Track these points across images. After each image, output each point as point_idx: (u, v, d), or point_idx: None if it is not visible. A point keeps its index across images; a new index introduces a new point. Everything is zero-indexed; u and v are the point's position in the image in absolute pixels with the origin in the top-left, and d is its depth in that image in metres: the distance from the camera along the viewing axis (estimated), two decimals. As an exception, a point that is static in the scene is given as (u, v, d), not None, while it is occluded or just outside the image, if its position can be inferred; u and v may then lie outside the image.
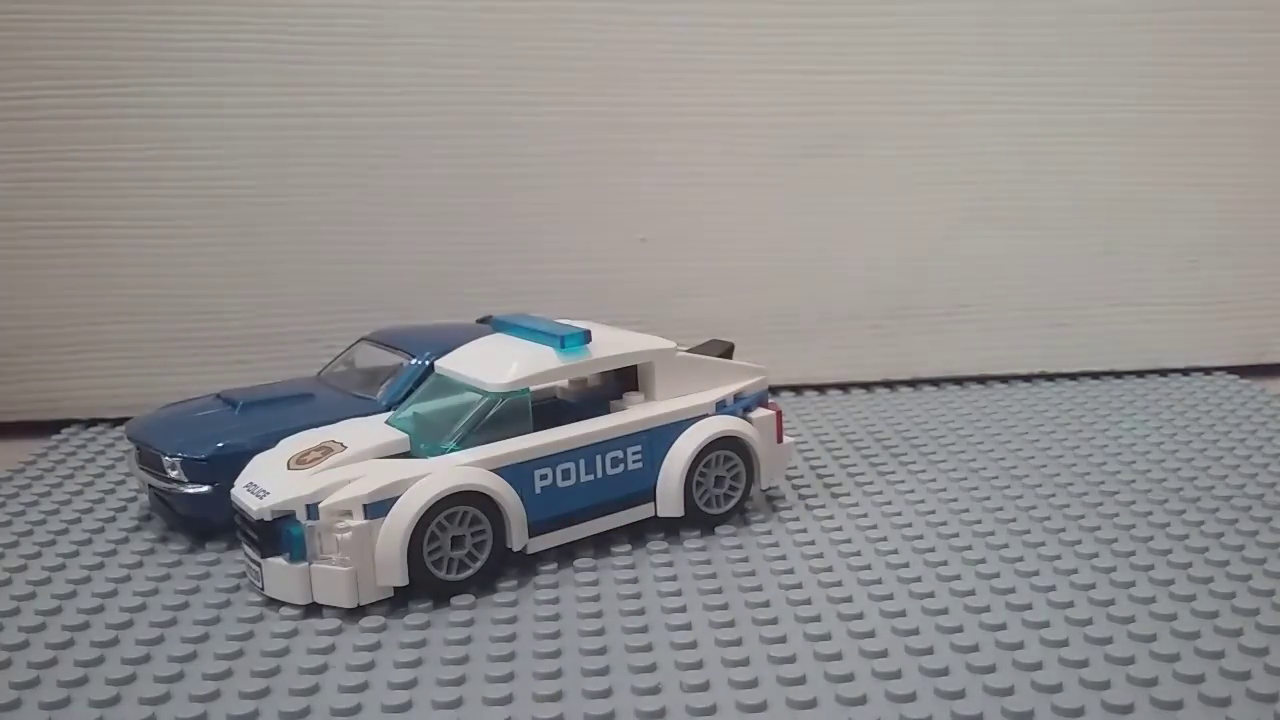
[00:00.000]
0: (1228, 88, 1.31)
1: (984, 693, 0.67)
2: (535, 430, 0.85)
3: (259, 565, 0.80)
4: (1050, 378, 1.37)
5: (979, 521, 0.92)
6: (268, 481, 0.81)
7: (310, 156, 1.24)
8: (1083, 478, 1.01)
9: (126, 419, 1.07)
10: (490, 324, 0.97)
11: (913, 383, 1.36)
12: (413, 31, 1.22)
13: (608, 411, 0.90)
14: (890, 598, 0.78)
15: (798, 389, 1.35)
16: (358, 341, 1.08)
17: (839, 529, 0.91)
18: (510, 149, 1.26)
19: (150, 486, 0.94)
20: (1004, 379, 1.37)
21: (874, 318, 1.34)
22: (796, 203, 1.30)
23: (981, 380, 1.36)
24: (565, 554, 0.87)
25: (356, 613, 0.79)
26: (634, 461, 0.88)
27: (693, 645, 0.73)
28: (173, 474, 0.91)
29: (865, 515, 0.94)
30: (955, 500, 0.97)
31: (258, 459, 0.86)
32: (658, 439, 0.89)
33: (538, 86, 1.25)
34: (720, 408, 0.92)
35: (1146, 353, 1.37)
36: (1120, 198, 1.33)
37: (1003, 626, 0.74)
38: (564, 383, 0.96)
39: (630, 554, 0.87)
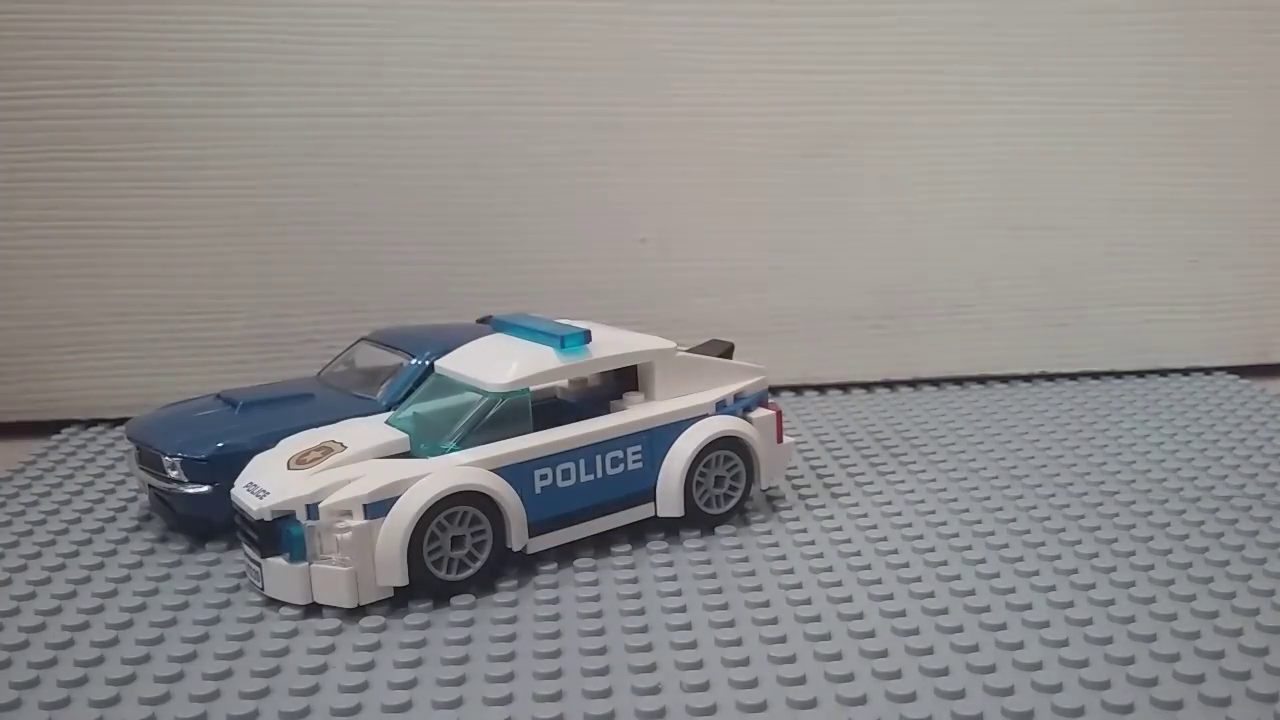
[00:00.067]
0: (1228, 88, 1.31)
1: (984, 693, 0.67)
2: (535, 430, 0.85)
3: (259, 565, 0.80)
4: (1050, 378, 1.37)
5: (979, 521, 0.92)
6: (268, 481, 0.81)
7: (310, 156, 1.24)
8: (1083, 478, 1.01)
9: (126, 419, 1.07)
10: (490, 324, 0.97)
11: (913, 383, 1.36)
12: (413, 31, 1.22)
13: (608, 411, 0.90)
14: (890, 598, 0.78)
15: (798, 389, 1.35)
16: (358, 341, 1.08)
17: (839, 529, 0.91)
18: (510, 149, 1.26)
19: (150, 486, 0.94)
20: (1004, 379, 1.37)
21: (874, 318, 1.34)
22: (796, 203, 1.30)
23: (981, 380, 1.36)
24: (565, 554, 0.87)
25: (356, 613, 0.79)
26: (634, 461, 0.88)
27: (693, 645, 0.73)
28: (173, 474, 0.91)
29: (865, 515, 0.94)
30: (955, 500, 0.97)
31: (258, 459, 0.86)
32: (658, 439, 0.89)
33: (538, 86, 1.25)
34: (720, 408, 0.92)
35: (1146, 353, 1.37)
36: (1120, 198, 1.33)
37: (1003, 626, 0.74)
38: (564, 383, 0.96)
39: (630, 554, 0.87)
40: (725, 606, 0.78)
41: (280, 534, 0.79)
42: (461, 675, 0.70)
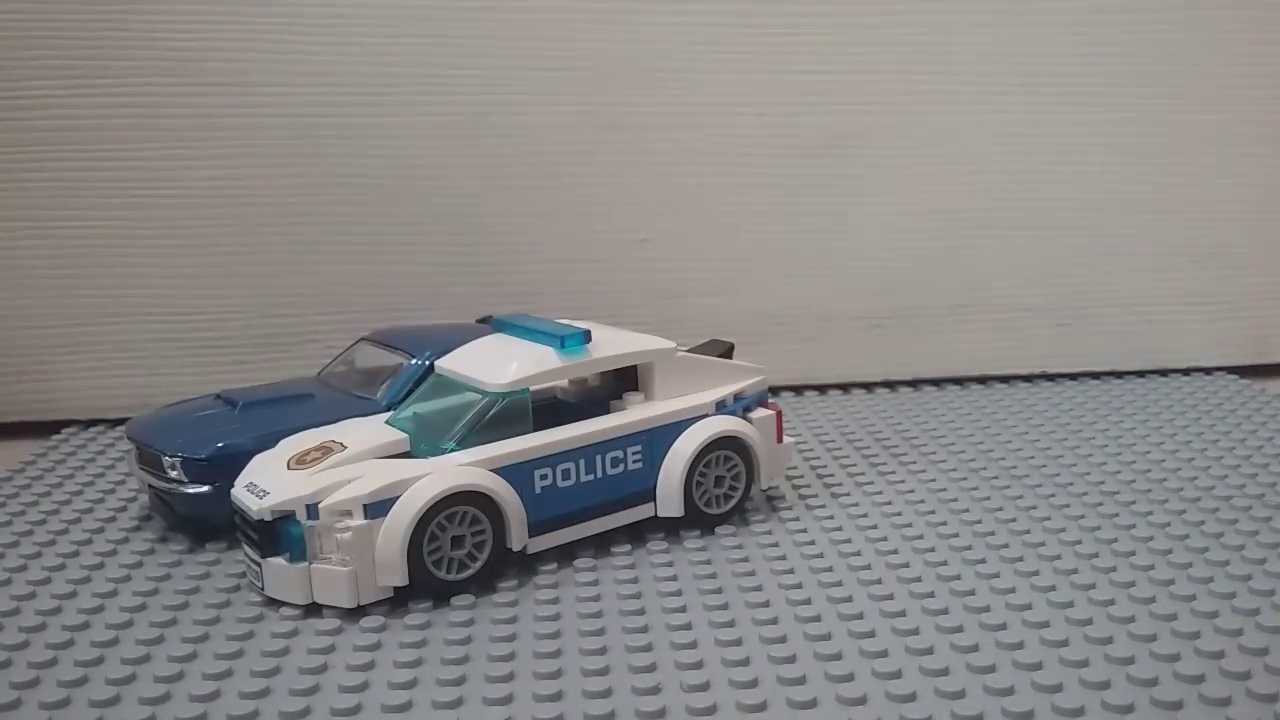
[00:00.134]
0: (1228, 88, 1.31)
1: (984, 693, 0.67)
2: (535, 430, 0.85)
3: (259, 565, 0.80)
4: (1051, 378, 1.37)
5: (979, 521, 0.92)
6: (268, 481, 0.81)
7: (310, 156, 1.24)
8: (1083, 478, 1.01)
9: (126, 419, 1.07)
10: (490, 324, 0.97)
11: (913, 383, 1.36)
12: (413, 31, 1.22)
13: (608, 411, 0.90)
14: (890, 598, 0.78)
15: (798, 389, 1.35)
16: (358, 341, 1.08)
17: (839, 529, 0.91)
18: (510, 149, 1.26)
19: (150, 486, 0.94)
20: (1004, 379, 1.37)
21: (874, 318, 1.34)
22: (796, 203, 1.30)
23: (981, 380, 1.36)
24: (565, 554, 0.87)
25: (356, 613, 0.79)
26: (634, 461, 0.88)
27: (693, 645, 0.73)
28: (173, 474, 0.91)
29: (865, 515, 0.94)
30: (955, 500, 0.97)
31: (258, 459, 0.86)
32: (658, 439, 0.89)
33: (538, 86, 1.25)
34: (720, 408, 0.92)
35: (1146, 353, 1.37)
36: (1120, 198, 1.33)
37: (1003, 626, 0.74)
38: (564, 383, 0.96)
39: (630, 554, 0.87)
40: (725, 606, 0.78)
41: (280, 534, 0.79)
42: (461, 675, 0.70)
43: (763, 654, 0.71)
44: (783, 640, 0.73)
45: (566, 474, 0.85)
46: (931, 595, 0.79)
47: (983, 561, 0.84)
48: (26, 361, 1.26)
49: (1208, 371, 1.37)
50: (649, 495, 0.90)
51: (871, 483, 1.02)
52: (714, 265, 1.31)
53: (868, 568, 0.83)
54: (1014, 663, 0.70)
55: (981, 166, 1.31)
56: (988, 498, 0.97)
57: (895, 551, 0.86)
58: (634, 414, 0.89)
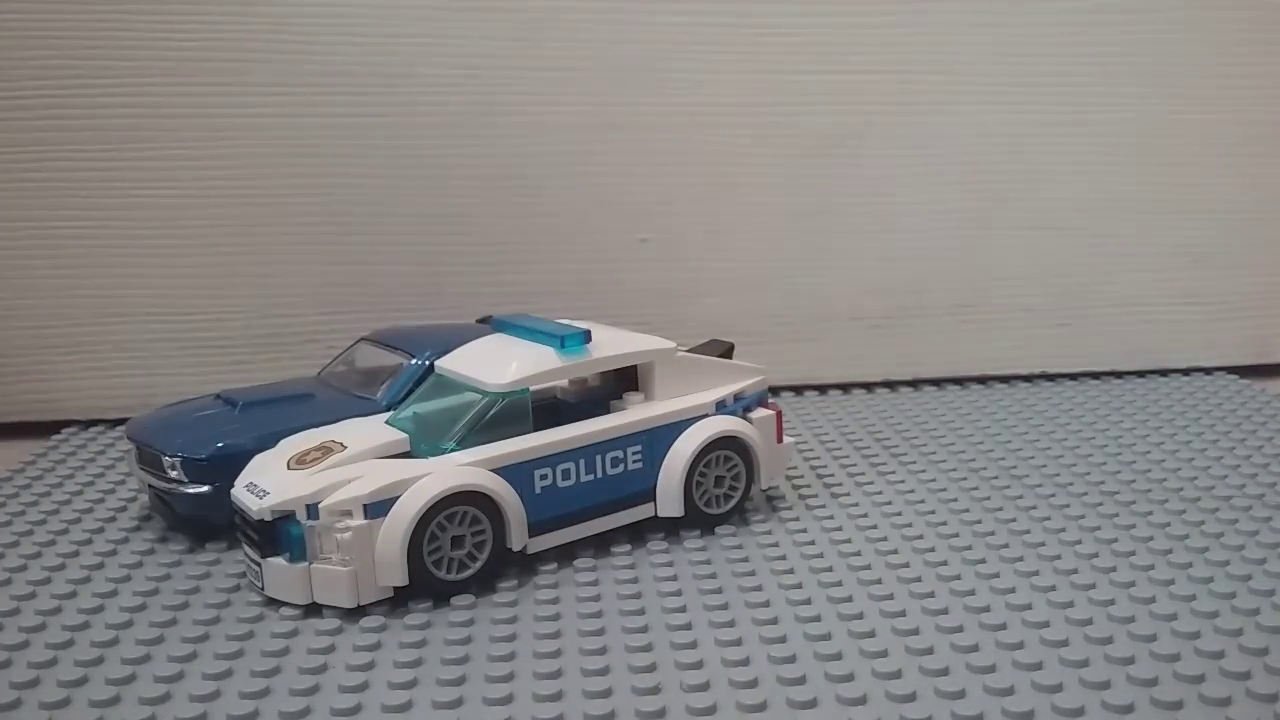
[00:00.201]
0: (1228, 88, 1.31)
1: (984, 693, 0.67)
2: (535, 430, 0.85)
3: (259, 565, 0.80)
4: (1051, 378, 1.37)
5: (979, 521, 0.92)
6: (268, 481, 0.81)
7: (310, 156, 1.24)
8: (1083, 478, 1.01)
9: (126, 419, 1.07)
10: (490, 324, 0.97)
11: (913, 383, 1.36)
12: (413, 31, 1.22)
13: (608, 411, 0.90)
14: (890, 598, 0.78)
15: (798, 389, 1.35)
16: (358, 341, 1.08)
17: (839, 529, 0.91)
18: (510, 149, 1.26)
19: (150, 486, 0.94)
20: (1004, 379, 1.37)
21: (874, 318, 1.34)
22: (796, 203, 1.30)
23: (982, 380, 1.36)
24: (565, 554, 0.87)
25: (356, 613, 0.79)
26: (634, 461, 0.88)
27: (693, 645, 0.73)
28: (173, 474, 0.91)
29: (865, 515, 0.94)
30: (955, 500, 0.97)
31: (258, 459, 0.86)
32: (658, 439, 0.89)
33: (538, 86, 1.25)
34: (720, 408, 0.92)
35: (1146, 353, 1.37)
36: (1120, 198, 1.33)
37: (1003, 626, 0.74)
38: (564, 383, 0.96)
39: (630, 554, 0.87)
40: (725, 606, 0.78)
41: (280, 534, 0.79)
42: (461, 675, 0.70)
43: (763, 654, 0.71)
44: (783, 640, 0.73)
45: (566, 474, 0.85)
46: (931, 595, 0.79)
47: (983, 561, 0.84)
48: (26, 361, 1.26)
49: (1208, 371, 1.37)
50: (649, 495, 0.90)
51: (871, 483, 1.02)
52: (714, 265, 1.31)
53: (868, 568, 0.83)
54: (1014, 663, 0.70)
55: (981, 166, 1.31)
56: (988, 498, 0.97)
57: (895, 551, 0.86)
58: (634, 414, 0.89)
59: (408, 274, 1.27)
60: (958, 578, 0.81)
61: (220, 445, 0.91)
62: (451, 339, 0.95)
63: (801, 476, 1.04)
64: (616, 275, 1.30)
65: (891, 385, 1.36)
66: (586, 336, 0.87)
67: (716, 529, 0.91)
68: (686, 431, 0.90)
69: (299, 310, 1.27)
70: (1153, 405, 1.24)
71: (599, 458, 0.87)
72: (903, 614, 0.76)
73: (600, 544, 0.89)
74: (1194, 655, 0.70)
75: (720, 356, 0.98)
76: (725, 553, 0.87)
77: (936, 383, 1.36)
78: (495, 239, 1.28)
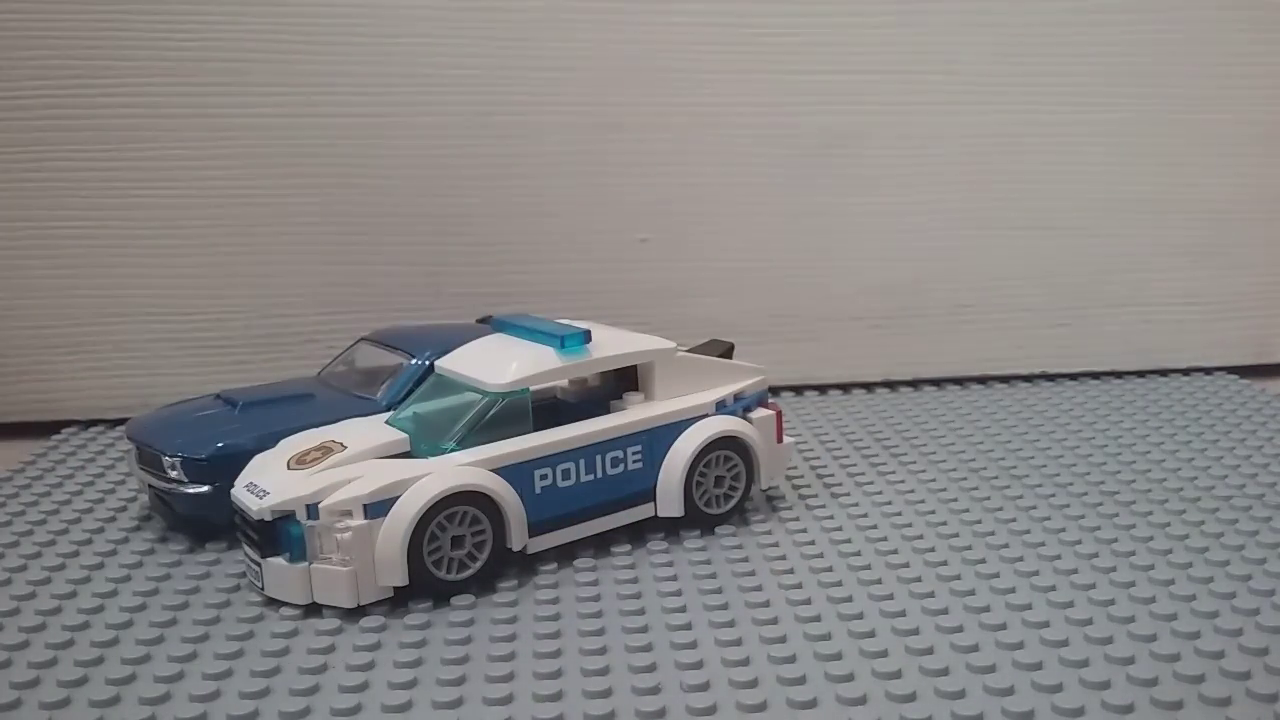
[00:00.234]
0: (1228, 88, 1.31)
1: (984, 693, 0.67)
2: (535, 430, 0.85)
3: (259, 565, 0.80)
4: (1051, 378, 1.37)
5: (979, 521, 0.92)
6: (268, 481, 0.81)
7: (310, 157, 1.24)
8: (1083, 478, 1.01)
9: (126, 419, 1.07)
10: (490, 324, 0.97)
11: (913, 383, 1.36)
12: (413, 31, 1.22)
13: (608, 411, 0.90)
14: (890, 598, 0.78)
15: (798, 389, 1.35)
16: (358, 341, 1.08)
17: (839, 529, 0.91)
18: (510, 149, 1.26)
19: (150, 486, 0.94)
20: (1004, 379, 1.37)
21: (874, 318, 1.34)
22: (796, 203, 1.30)
23: (982, 380, 1.36)
24: (565, 554, 0.87)
25: (356, 613, 0.79)
26: (634, 461, 0.88)
27: (693, 645, 0.73)
28: (173, 474, 0.91)
29: (865, 515, 0.94)
30: (955, 500, 0.97)
31: (258, 459, 0.86)
32: (658, 439, 0.89)
33: (537, 86, 1.25)
34: (720, 408, 0.92)
35: (1146, 353, 1.37)
36: (1120, 198, 1.33)
37: (1003, 626, 0.74)
38: (564, 383, 0.96)
39: (630, 554, 0.87)
40: (725, 606, 0.78)
41: (280, 534, 0.79)
42: (461, 675, 0.70)
43: (763, 654, 0.71)
44: (783, 640, 0.73)
45: (566, 474, 0.85)
46: (931, 595, 0.79)
47: (983, 561, 0.84)
48: (26, 361, 1.26)
49: (1208, 371, 1.37)
50: (649, 495, 0.90)
51: (871, 483, 1.02)
52: (714, 265, 1.31)
53: (868, 568, 0.83)
54: (1014, 663, 0.70)
55: (981, 166, 1.31)
56: (988, 498, 0.97)
57: (895, 551, 0.86)
58: (634, 414, 0.89)
59: (408, 274, 1.27)
60: (958, 578, 0.81)
61: (220, 445, 0.91)
62: (451, 339, 0.95)
63: (801, 476, 1.04)
64: (616, 275, 1.30)
65: (891, 385, 1.36)
66: (586, 336, 0.87)
67: (716, 529, 0.91)
68: (686, 431, 0.90)
69: (299, 310, 1.27)
70: (1153, 405, 1.24)
71: (599, 458, 0.87)
72: (903, 614, 0.76)
73: (600, 544, 0.89)
74: (1194, 655, 0.70)
75: (720, 356, 0.98)
76: (725, 553, 0.87)
77: (936, 383, 1.36)
78: (495, 239, 1.28)
